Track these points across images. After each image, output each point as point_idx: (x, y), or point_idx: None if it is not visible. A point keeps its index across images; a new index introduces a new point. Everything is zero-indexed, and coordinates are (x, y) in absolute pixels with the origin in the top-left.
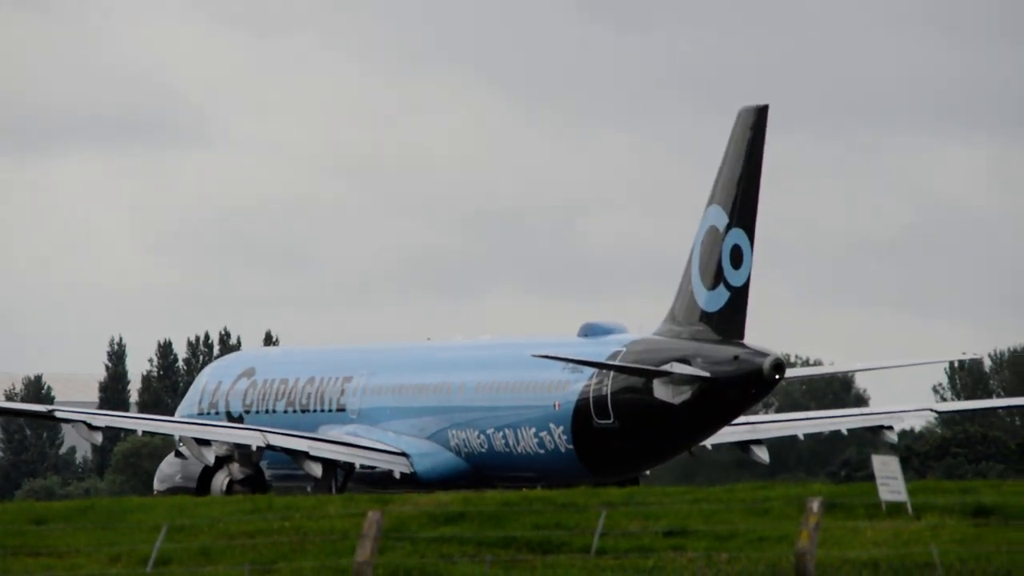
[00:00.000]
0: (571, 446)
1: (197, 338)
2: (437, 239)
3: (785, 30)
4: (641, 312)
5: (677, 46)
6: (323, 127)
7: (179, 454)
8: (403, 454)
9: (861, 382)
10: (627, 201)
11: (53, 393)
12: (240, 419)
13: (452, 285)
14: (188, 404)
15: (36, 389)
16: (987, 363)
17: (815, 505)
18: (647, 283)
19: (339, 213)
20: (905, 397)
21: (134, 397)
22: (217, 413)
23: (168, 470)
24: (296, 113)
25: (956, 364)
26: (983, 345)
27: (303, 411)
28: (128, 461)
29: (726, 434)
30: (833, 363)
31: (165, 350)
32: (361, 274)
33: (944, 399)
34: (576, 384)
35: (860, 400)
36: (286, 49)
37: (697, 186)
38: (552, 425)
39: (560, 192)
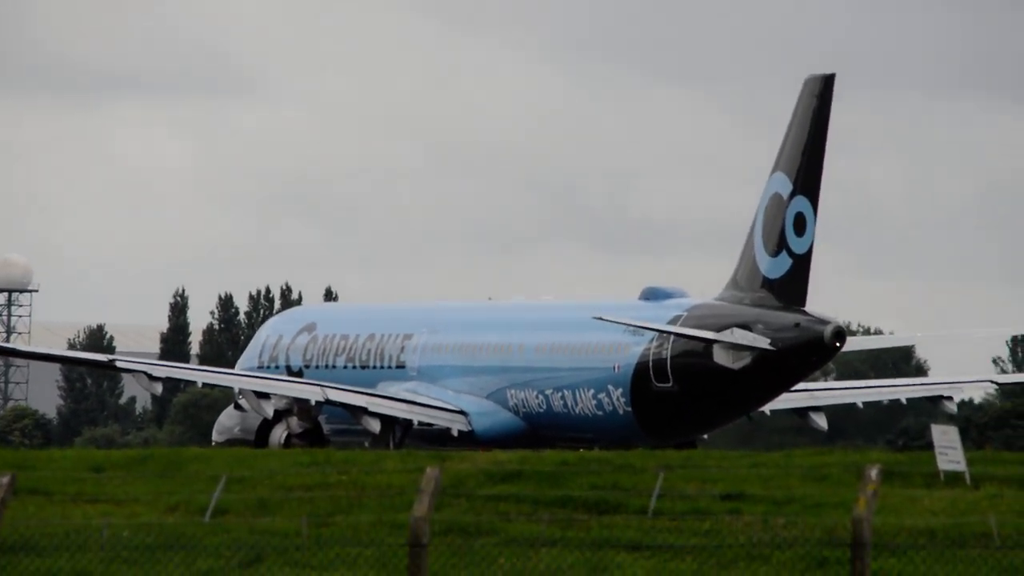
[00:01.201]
0: (629, 408)
1: (258, 292)
2: (494, 198)
3: None
4: (694, 273)
5: (735, 10)
6: (381, 84)
7: (238, 406)
8: (462, 412)
9: (921, 352)
10: (683, 164)
11: (115, 343)
12: (300, 373)
13: (508, 244)
14: (248, 357)
15: (98, 339)
16: None
17: (873, 472)
18: (703, 246)
19: (397, 170)
20: (965, 368)
21: (195, 349)
22: (277, 367)
23: (227, 422)
24: (356, 69)
25: (1018, 336)
26: None
27: (363, 367)
28: (187, 412)
29: (785, 400)
30: (893, 332)
31: (226, 303)
32: (417, 232)
33: (1004, 371)
34: (636, 347)
35: (920, 370)
36: (347, 5)
37: (754, 150)
38: (611, 387)
39: (618, 153)
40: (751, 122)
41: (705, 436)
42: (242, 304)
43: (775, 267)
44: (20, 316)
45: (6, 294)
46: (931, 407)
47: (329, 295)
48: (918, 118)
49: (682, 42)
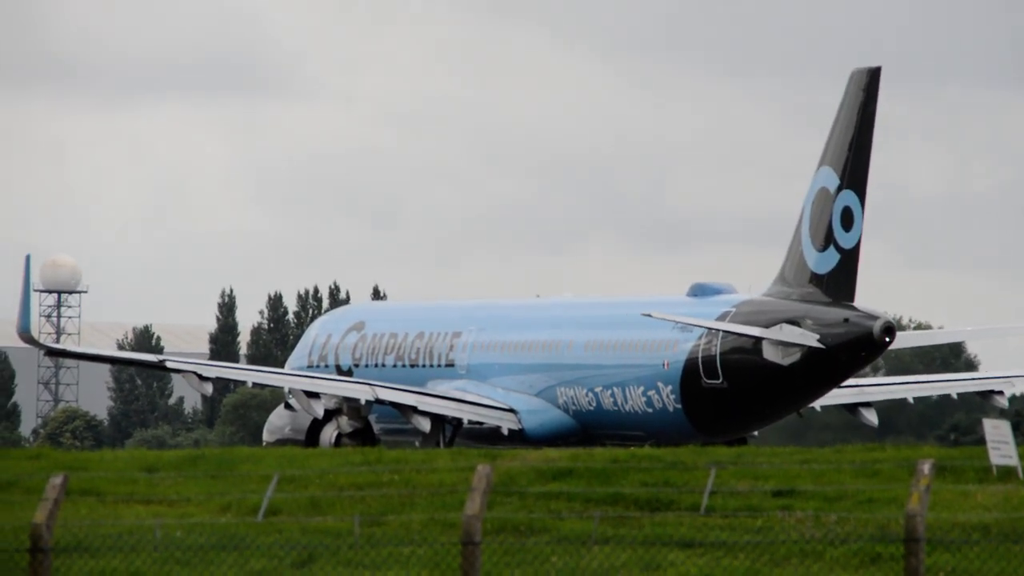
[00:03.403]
0: (679, 405)
1: (307, 291)
2: (537, 195)
3: None
4: (739, 269)
5: (778, 3)
6: (421, 81)
7: (288, 406)
8: (511, 410)
9: (971, 347)
10: (726, 159)
11: (163, 344)
12: (349, 372)
13: (551, 241)
14: (298, 357)
15: (147, 339)
16: None
17: (926, 467)
18: (747, 241)
19: (439, 168)
20: (1016, 362)
21: (244, 349)
22: (327, 366)
23: (277, 422)
24: (395, 67)
25: None
26: None
27: (412, 366)
28: (237, 412)
29: (835, 396)
30: (943, 327)
31: (275, 303)
32: (459, 230)
33: None
34: (685, 344)
35: (970, 364)
36: (380, 2)
37: (798, 145)
38: (660, 384)
39: (660, 149)
40: (793, 116)
41: (756, 433)
42: (291, 304)
43: (823, 262)
44: (69, 317)
45: (55, 295)
46: (982, 402)
47: (377, 294)
48: (960, 110)
49: (725, 36)
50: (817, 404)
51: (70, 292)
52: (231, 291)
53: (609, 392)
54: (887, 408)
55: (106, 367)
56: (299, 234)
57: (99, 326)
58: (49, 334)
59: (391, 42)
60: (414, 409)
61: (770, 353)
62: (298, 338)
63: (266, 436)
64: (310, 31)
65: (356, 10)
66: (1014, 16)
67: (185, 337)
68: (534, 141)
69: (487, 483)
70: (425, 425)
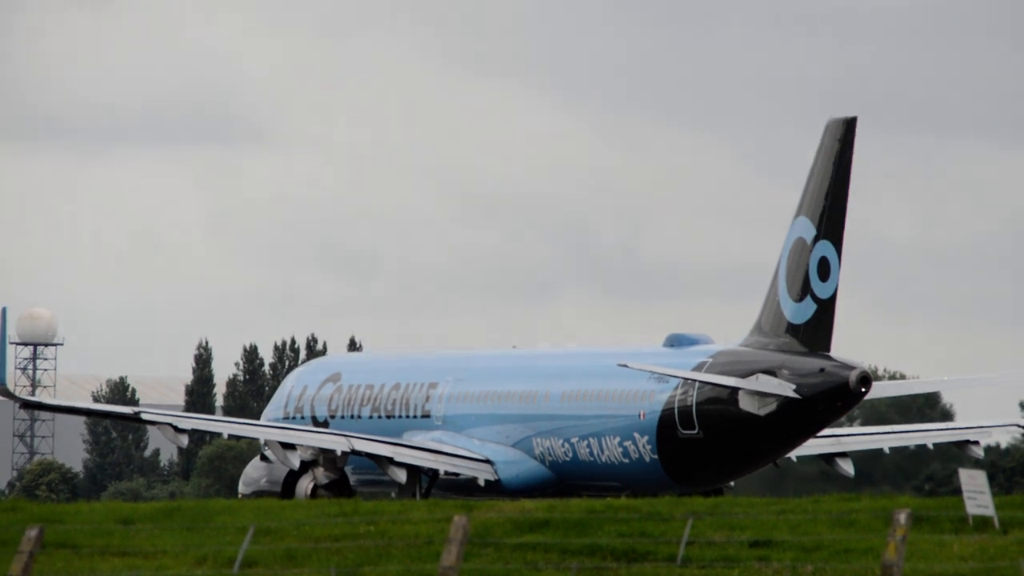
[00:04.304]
0: (656, 456)
1: (283, 343)
2: (512, 246)
3: (859, 37)
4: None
5: (746, 52)
6: (396, 133)
7: (264, 458)
8: (487, 461)
9: (947, 396)
10: (701, 209)
11: (139, 396)
12: (325, 424)
13: (527, 292)
14: (274, 408)
15: (122, 391)
16: None
17: (902, 517)
18: (721, 292)
19: (414, 219)
20: (991, 412)
21: (220, 401)
22: (303, 417)
23: (253, 473)
24: (370, 118)
25: None
26: None
27: (388, 417)
28: (213, 464)
29: (811, 446)
30: (918, 377)
31: (251, 354)
32: (436, 281)
33: None
34: (661, 394)
35: (946, 414)
36: (362, 54)
37: (772, 195)
38: (637, 435)
39: (635, 199)
40: (767, 166)
41: (732, 483)
42: (266, 355)
43: (800, 312)
44: (45, 370)
45: (31, 347)
46: (958, 452)
47: (353, 345)
48: (933, 159)
49: (698, 86)
50: (793, 454)
51: (46, 344)
52: (207, 343)
53: (585, 443)
54: (863, 458)
55: (82, 419)
56: (275, 285)
57: (75, 378)
58: (24, 386)
59: (366, 93)
60: (390, 460)
61: (746, 403)
62: (274, 389)
63: (242, 488)
64: (286, 82)
65: (331, 61)
66: (990, 65)
67: (161, 389)
68: (508, 192)
69: (464, 534)
70: (401, 476)
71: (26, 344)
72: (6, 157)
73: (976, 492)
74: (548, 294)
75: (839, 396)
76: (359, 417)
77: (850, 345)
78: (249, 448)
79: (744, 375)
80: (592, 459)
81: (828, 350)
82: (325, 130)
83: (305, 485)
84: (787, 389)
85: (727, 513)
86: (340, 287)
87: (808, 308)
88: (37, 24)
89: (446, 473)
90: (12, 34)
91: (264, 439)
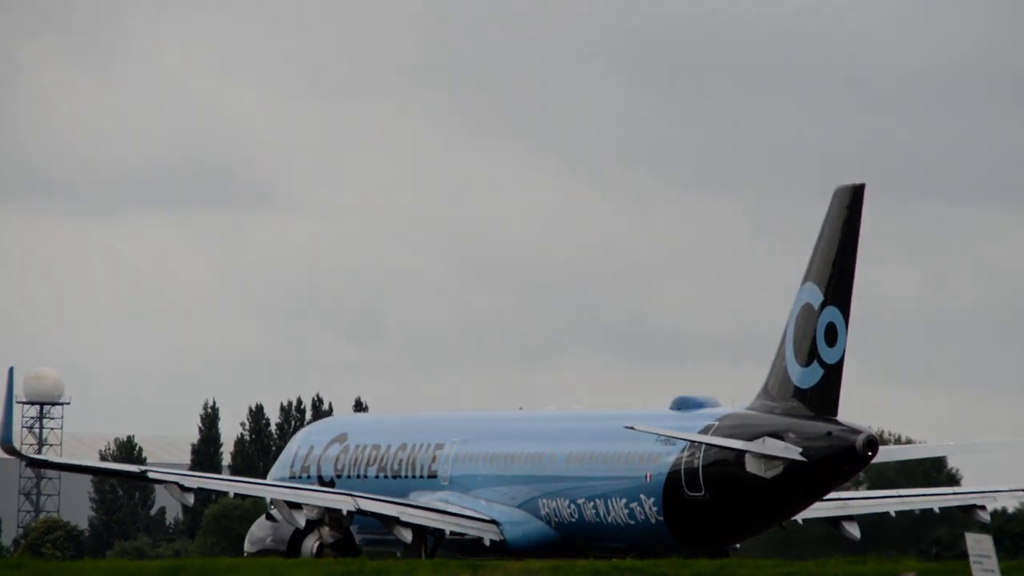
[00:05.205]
0: (662, 518)
1: (290, 403)
2: (518, 307)
3: (867, 106)
4: (720, 383)
5: (754, 118)
6: (400, 194)
7: (270, 517)
8: (493, 522)
9: (953, 461)
10: (707, 273)
11: (145, 455)
12: (332, 483)
13: (533, 354)
14: (280, 467)
15: (128, 450)
16: None
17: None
18: (726, 356)
19: (419, 280)
20: (998, 477)
21: (226, 460)
22: (309, 477)
23: (259, 532)
24: (374, 180)
25: None
26: None
27: (394, 477)
28: (219, 523)
29: (817, 509)
30: (925, 441)
31: (257, 414)
32: (442, 342)
33: None
34: (668, 456)
35: (952, 479)
36: (366, 116)
37: (777, 260)
38: (643, 496)
39: (641, 263)
40: (774, 231)
41: (738, 545)
42: (273, 415)
43: (807, 377)
44: (52, 428)
45: (38, 407)
46: (964, 516)
47: (359, 405)
48: (941, 226)
49: (706, 151)
50: (800, 517)
51: (53, 403)
52: (214, 402)
53: (591, 504)
54: (869, 521)
55: (88, 477)
56: (282, 346)
57: (81, 437)
58: (31, 445)
59: (373, 155)
60: (396, 520)
61: (753, 466)
62: (280, 449)
63: (247, 547)
64: (292, 144)
65: (338, 124)
66: (995, 131)
67: (167, 448)
68: (514, 254)
69: None
70: (407, 536)
71: (33, 403)
72: (14, 217)
73: (983, 556)
74: (554, 357)
75: (846, 460)
76: (365, 477)
77: (857, 409)
78: (255, 507)
79: (751, 438)
80: (598, 520)
81: (835, 414)
82: (331, 192)
83: (311, 544)
84: (794, 452)
85: (733, 575)
86: (346, 348)
87: (815, 373)
88: (42, 85)
89: (452, 533)
90: (18, 95)
91: (270, 498)
